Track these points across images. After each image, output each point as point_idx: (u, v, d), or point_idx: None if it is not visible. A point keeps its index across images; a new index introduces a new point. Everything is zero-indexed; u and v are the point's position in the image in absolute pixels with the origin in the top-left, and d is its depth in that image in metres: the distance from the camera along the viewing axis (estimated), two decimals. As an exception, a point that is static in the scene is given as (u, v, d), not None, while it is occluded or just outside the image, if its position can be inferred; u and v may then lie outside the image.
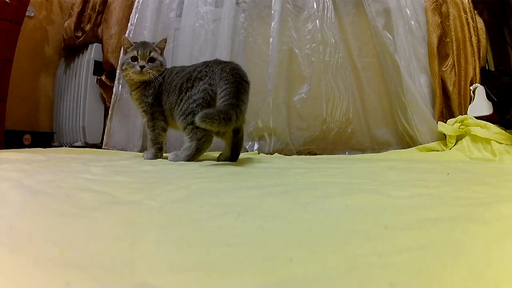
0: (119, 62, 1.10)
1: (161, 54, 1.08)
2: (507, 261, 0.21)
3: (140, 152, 1.69)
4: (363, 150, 1.45)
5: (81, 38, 1.94)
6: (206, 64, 1.02)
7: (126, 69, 1.04)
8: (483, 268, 0.20)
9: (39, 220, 0.31)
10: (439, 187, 0.47)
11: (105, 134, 1.80)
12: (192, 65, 1.07)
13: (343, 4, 1.51)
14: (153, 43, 1.10)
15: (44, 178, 0.53)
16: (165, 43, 1.09)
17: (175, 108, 1.00)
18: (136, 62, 1.01)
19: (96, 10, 1.94)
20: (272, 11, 1.54)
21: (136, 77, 1.03)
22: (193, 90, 0.97)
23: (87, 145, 1.88)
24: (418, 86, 1.35)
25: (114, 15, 1.90)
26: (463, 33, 1.33)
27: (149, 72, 1.02)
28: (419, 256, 0.22)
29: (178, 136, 1.70)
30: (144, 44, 1.06)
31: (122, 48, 1.08)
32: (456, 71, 1.34)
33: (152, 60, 1.03)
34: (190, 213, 0.34)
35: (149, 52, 1.03)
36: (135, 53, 1.02)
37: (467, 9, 1.34)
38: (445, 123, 1.27)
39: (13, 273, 0.20)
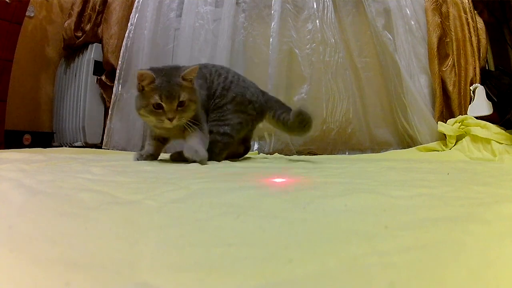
0: (135, 103, 0.81)
1: (192, 89, 0.81)
2: (507, 261, 0.21)
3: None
4: (363, 150, 1.45)
5: (81, 38, 1.94)
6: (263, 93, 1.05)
7: (145, 116, 0.79)
8: (483, 268, 0.20)
9: (39, 220, 0.31)
10: (439, 187, 0.47)
11: (105, 134, 1.81)
12: (241, 79, 1.00)
13: (343, 4, 1.51)
14: (179, 70, 0.80)
15: (44, 178, 0.53)
16: (195, 73, 0.81)
17: (212, 109, 0.93)
18: (161, 111, 0.77)
19: (96, 10, 1.94)
20: (272, 11, 1.54)
21: (164, 127, 0.80)
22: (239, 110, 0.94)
23: (87, 145, 1.87)
24: (418, 86, 1.35)
25: (114, 15, 1.90)
26: (463, 33, 1.33)
27: (181, 119, 0.79)
28: (419, 256, 0.22)
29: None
30: (169, 84, 0.76)
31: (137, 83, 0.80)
32: (456, 71, 1.34)
33: (181, 104, 0.77)
34: (190, 213, 0.34)
35: (177, 95, 0.76)
36: (157, 99, 0.75)
37: (467, 9, 1.34)
38: (445, 123, 1.27)
39: (13, 273, 0.20)
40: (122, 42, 1.83)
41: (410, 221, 0.29)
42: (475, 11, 1.37)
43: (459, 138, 1.24)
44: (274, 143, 1.51)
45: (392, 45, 1.38)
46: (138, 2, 1.83)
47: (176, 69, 0.80)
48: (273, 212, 0.33)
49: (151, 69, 0.80)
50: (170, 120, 0.76)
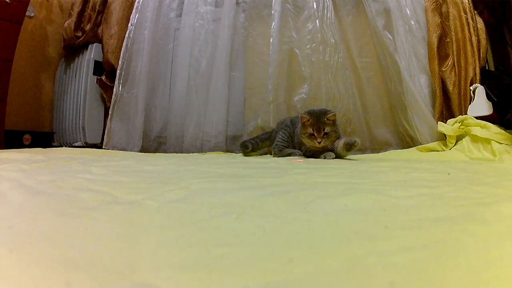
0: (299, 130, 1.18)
1: (334, 124, 1.14)
2: (507, 261, 0.21)
3: (140, 152, 1.68)
4: (363, 150, 1.45)
5: (81, 38, 1.94)
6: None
7: (304, 138, 1.16)
8: (483, 268, 0.20)
9: (39, 220, 0.31)
10: (439, 187, 0.47)
11: (105, 134, 1.81)
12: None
13: (343, 4, 1.51)
14: (325, 113, 1.12)
15: (44, 178, 0.53)
16: (335, 116, 1.14)
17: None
18: (313, 138, 1.13)
19: (96, 10, 1.94)
20: (272, 11, 1.54)
21: (316, 147, 1.14)
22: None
23: (87, 145, 1.87)
24: (418, 86, 1.35)
25: (114, 15, 1.90)
26: (463, 33, 1.33)
27: (325, 143, 1.13)
28: (419, 256, 0.22)
29: (178, 136, 1.70)
30: (318, 122, 1.13)
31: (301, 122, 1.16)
32: (456, 71, 1.34)
33: (326, 134, 1.13)
34: (190, 213, 0.34)
35: (323, 128, 1.12)
36: (311, 130, 1.13)
37: (467, 9, 1.34)
38: (445, 123, 1.27)
39: (13, 273, 0.20)
40: (122, 42, 1.83)
41: (410, 221, 0.29)
42: (475, 11, 1.37)
43: (459, 138, 1.24)
44: (274, 143, 1.51)
45: (392, 45, 1.38)
46: (138, 2, 1.83)
47: (324, 113, 1.14)
48: (273, 212, 0.33)
49: (308, 112, 1.15)
50: (319, 143, 1.12)
